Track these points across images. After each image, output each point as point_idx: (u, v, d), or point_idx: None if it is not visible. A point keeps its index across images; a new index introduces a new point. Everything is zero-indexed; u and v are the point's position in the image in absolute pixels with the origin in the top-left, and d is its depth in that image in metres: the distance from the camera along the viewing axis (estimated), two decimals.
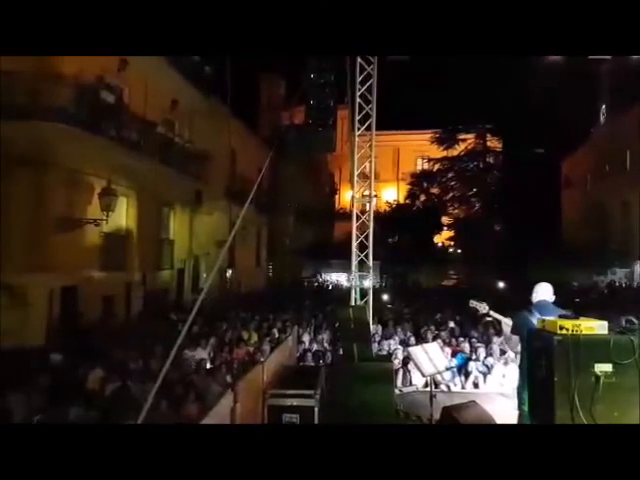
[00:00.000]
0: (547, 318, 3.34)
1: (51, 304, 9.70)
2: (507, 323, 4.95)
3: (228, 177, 20.20)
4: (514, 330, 4.37)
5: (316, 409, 5.09)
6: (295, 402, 5.15)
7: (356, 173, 7.91)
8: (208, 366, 8.18)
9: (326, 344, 10.31)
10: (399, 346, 9.23)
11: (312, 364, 8.49)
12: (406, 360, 7.99)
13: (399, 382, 7.49)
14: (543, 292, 4.35)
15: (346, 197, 38.65)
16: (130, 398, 6.30)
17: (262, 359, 7.83)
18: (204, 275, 17.51)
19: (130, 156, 11.79)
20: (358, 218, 8.19)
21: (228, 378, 7.41)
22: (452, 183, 28.05)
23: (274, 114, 35.20)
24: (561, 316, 3.31)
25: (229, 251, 19.99)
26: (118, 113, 11.50)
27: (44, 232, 9.72)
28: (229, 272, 18.46)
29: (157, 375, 7.30)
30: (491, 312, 5.23)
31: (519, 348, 4.28)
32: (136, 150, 12.04)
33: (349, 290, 8.77)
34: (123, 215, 12.42)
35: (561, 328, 3.01)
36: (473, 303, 5.34)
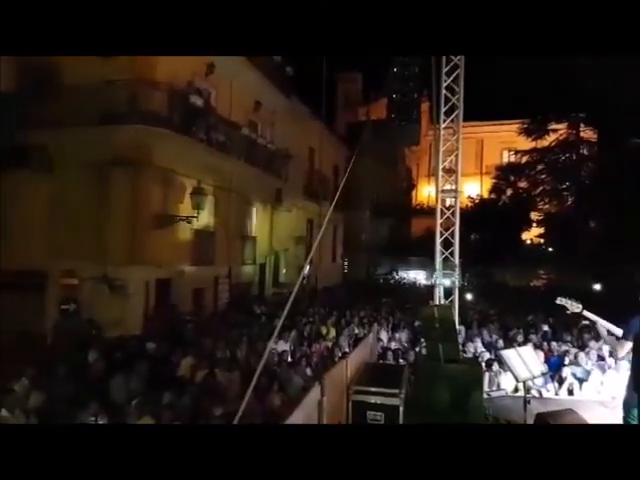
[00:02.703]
0: None
1: (147, 295, 10.42)
2: (603, 325, 4.56)
3: (306, 175, 20.57)
4: (626, 335, 3.97)
5: (401, 408, 5.02)
6: (379, 400, 5.12)
7: (441, 167, 7.68)
8: (289, 359, 8.39)
9: (405, 343, 10.17)
10: (484, 349, 8.89)
11: (392, 362, 8.41)
12: (490, 362, 7.69)
13: (485, 386, 7.22)
14: None
15: (424, 193, 37.78)
16: (217, 385, 6.62)
17: (339, 354, 7.90)
18: (284, 270, 17.96)
19: (218, 157, 12.32)
20: (442, 214, 7.95)
21: (308, 371, 7.55)
22: (542, 176, 26.19)
23: (351, 110, 35.20)
24: None
25: (307, 248, 20.37)
26: (206, 116, 12.05)
27: (141, 228, 10.41)
28: (306, 268, 18.78)
29: (242, 364, 7.63)
30: (585, 312, 4.78)
31: (629, 356, 3.89)
32: (223, 151, 12.57)
33: (428, 288, 8.56)
34: (212, 213, 13.03)
35: None
36: (562, 300, 4.92)
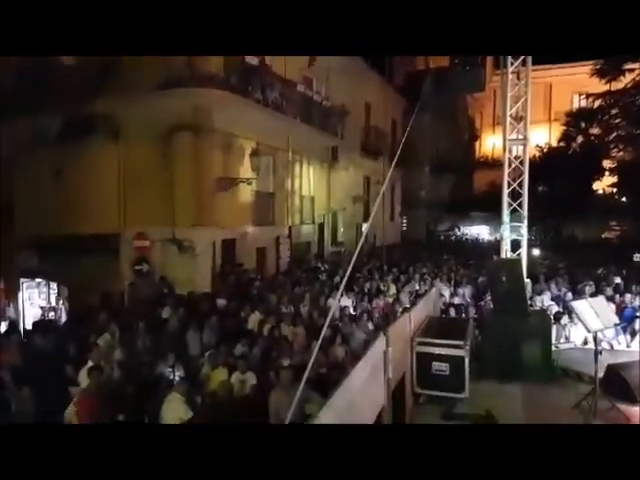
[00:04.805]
0: None
1: (214, 255, 10.87)
2: None
3: (363, 131, 20.17)
4: None
5: (466, 360, 5.04)
6: (444, 351, 5.15)
7: (508, 114, 7.26)
8: (352, 312, 8.60)
9: (468, 298, 10.10)
10: (552, 302, 8.67)
11: (455, 317, 8.40)
12: (558, 315, 7.52)
13: (553, 338, 7.09)
14: None
15: (488, 144, 36.00)
16: (283, 339, 6.94)
17: (400, 310, 7.97)
18: (341, 229, 18.06)
19: (274, 117, 12.33)
20: (510, 164, 7.57)
21: (370, 326, 7.72)
22: (616, 121, 24.09)
23: (409, 60, 33.62)
24: None
25: (365, 206, 20.24)
26: (262, 74, 11.96)
27: (205, 191, 10.72)
28: (364, 226, 18.78)
29: (306, 319, 7.84)
30: None
31: None
32: (279, 110, 12.55)
33: (492, 244, 8.33)
34: (270, 173, 13.19)
35: None
36: (639, 257, 4.82)
